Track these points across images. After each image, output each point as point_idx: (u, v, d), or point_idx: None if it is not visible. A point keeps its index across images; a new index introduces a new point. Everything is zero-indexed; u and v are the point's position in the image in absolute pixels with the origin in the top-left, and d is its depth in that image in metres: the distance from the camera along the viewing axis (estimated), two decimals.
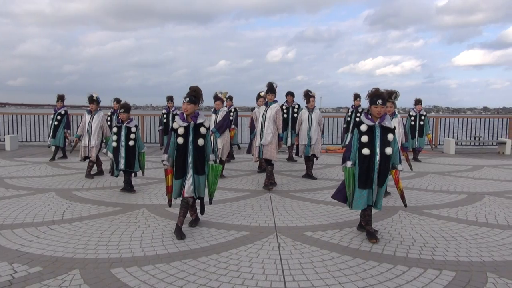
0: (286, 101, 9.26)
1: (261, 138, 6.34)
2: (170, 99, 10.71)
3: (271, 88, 6.41)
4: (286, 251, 3.72)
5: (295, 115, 8.79)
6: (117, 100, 9.76)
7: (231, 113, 8.97)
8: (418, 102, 9.96)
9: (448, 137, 12.61)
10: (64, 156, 9.69)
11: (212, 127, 6.71)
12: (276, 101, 6.47)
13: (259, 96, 7.58)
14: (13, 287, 2.97)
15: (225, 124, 7.09)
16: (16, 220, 4.60)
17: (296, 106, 9.11)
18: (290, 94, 9.22)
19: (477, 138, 12.98)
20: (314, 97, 7.34)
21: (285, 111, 9.05)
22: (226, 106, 7.59)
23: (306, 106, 7.39)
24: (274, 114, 6.32)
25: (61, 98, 9.72)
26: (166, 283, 3.04)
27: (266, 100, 6.49)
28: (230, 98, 9.88)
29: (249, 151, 7.85)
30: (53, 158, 9.38)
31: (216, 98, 7.14)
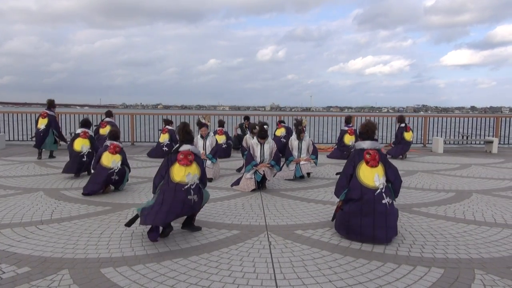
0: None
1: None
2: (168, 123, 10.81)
3: (265, 133, 6.60)
4: (277, 249, 3.73)
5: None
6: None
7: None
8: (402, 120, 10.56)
9: (437, 136, 12.75)
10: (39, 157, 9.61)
11: (200, 151, 7.11)
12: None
13: (252, 131, 7.97)
14: None
15: (219, 150, 7.69)
16: (3, 220, 4.53)
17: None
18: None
19: (465, 137, 13.16)
20: (303, 132, 7.42)
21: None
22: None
23: (296, 134, 7.47)
24: (272, 148, 6.55)
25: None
26: (156, 283, 3.03)
27: (257, 139, 6.60)
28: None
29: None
30: (39, 157, 9.43)
31: (201, 124, 7.39)
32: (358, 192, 3.99)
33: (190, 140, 4.33)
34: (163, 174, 4.15)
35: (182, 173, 4.04)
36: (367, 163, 4.07)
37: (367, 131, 4.26)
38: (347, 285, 3.02)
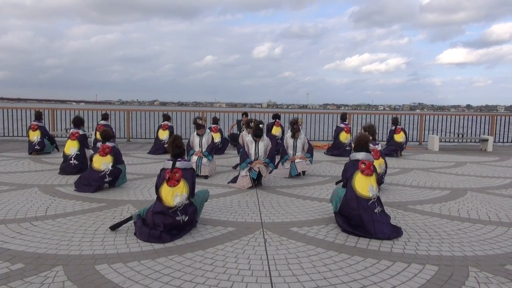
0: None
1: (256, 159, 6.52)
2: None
3: (260, 132, 6.57)
4: (272, 246, 3.73)
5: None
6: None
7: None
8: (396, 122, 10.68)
9: (433, 134, 12.80)
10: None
11: (196, 148, 7.30)
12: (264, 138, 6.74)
13: (248, 126, 8.07)
14: None
15: (215, 147, 7.84)
16: None
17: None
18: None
19: (460, 135, 13.21)
20: (299, 131, 7.43)
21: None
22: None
23: (291, 132, 7.44)
24: (267, 145, 6.55)
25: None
26: (151, 279, 3.02)
27: (252, 137, 6.59)
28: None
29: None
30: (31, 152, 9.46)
31: (198, 125, 7.37)
32: (355, 203, 4.13)
33: (180, 153, 4.22)
34: (157, 188, 4.08)
35: (170, 196, 3.94)
36: (362, 172, 4.25)
37: (361, 144, 4.51)
38: (341, 282, 3.03)
